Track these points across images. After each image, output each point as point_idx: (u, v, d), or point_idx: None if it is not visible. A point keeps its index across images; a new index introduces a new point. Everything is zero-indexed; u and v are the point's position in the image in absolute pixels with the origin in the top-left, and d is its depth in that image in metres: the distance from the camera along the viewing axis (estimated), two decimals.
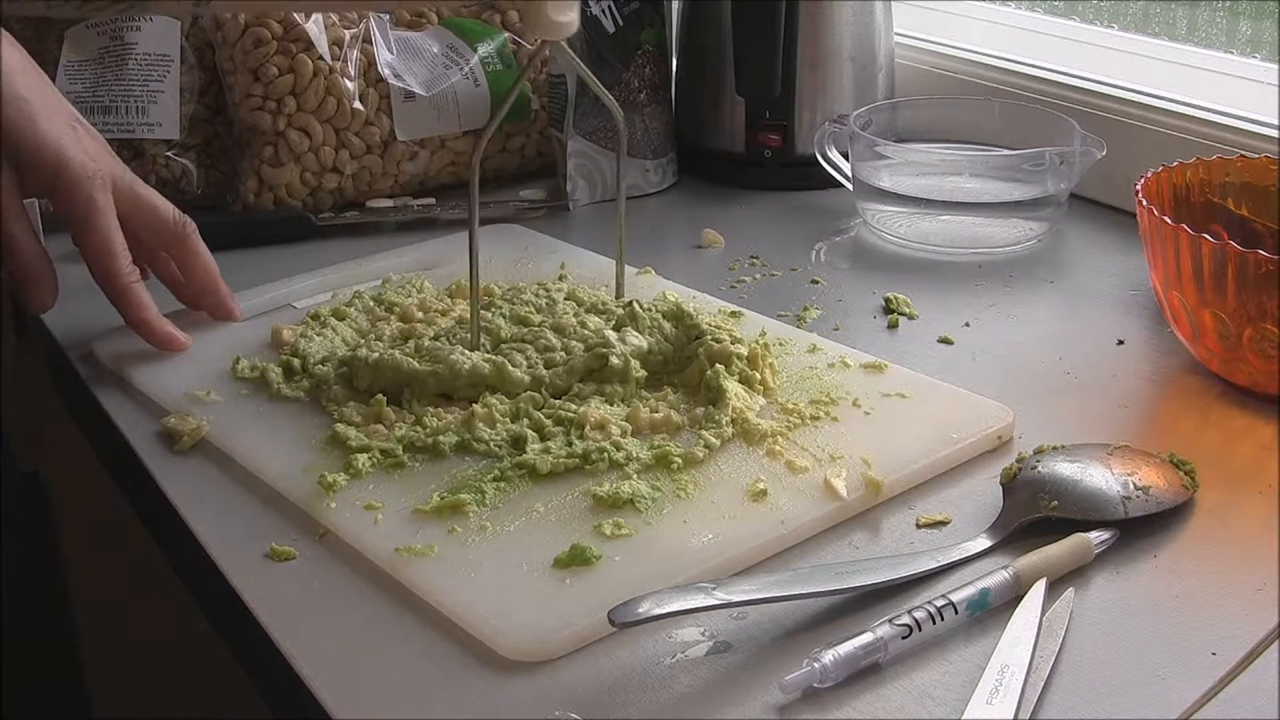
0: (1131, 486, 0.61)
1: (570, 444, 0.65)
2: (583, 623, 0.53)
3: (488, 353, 0.71)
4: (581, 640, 0.53)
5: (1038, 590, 0.54)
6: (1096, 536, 0.58)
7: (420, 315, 0.79)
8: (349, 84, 0.98)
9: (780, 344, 0.75)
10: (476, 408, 0.67)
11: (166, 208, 0.78)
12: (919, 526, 0.61)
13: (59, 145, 0.73)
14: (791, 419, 0.67)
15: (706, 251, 0.94)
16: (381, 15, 1.02)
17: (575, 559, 0.56)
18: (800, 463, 0.63)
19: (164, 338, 0.76)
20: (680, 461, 0.63)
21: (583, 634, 0.53)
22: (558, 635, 0.53)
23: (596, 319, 0.74)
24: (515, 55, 1.05)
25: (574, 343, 0.71)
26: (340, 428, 0.67)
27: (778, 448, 0.64)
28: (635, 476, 0.63)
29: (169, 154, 0.98)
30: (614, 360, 0.69)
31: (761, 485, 0.62)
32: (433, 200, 1.02)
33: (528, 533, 0.59)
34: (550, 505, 0.61)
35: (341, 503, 0.62)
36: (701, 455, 0.64)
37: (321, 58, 0.97)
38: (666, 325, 0.73)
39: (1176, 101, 0.97)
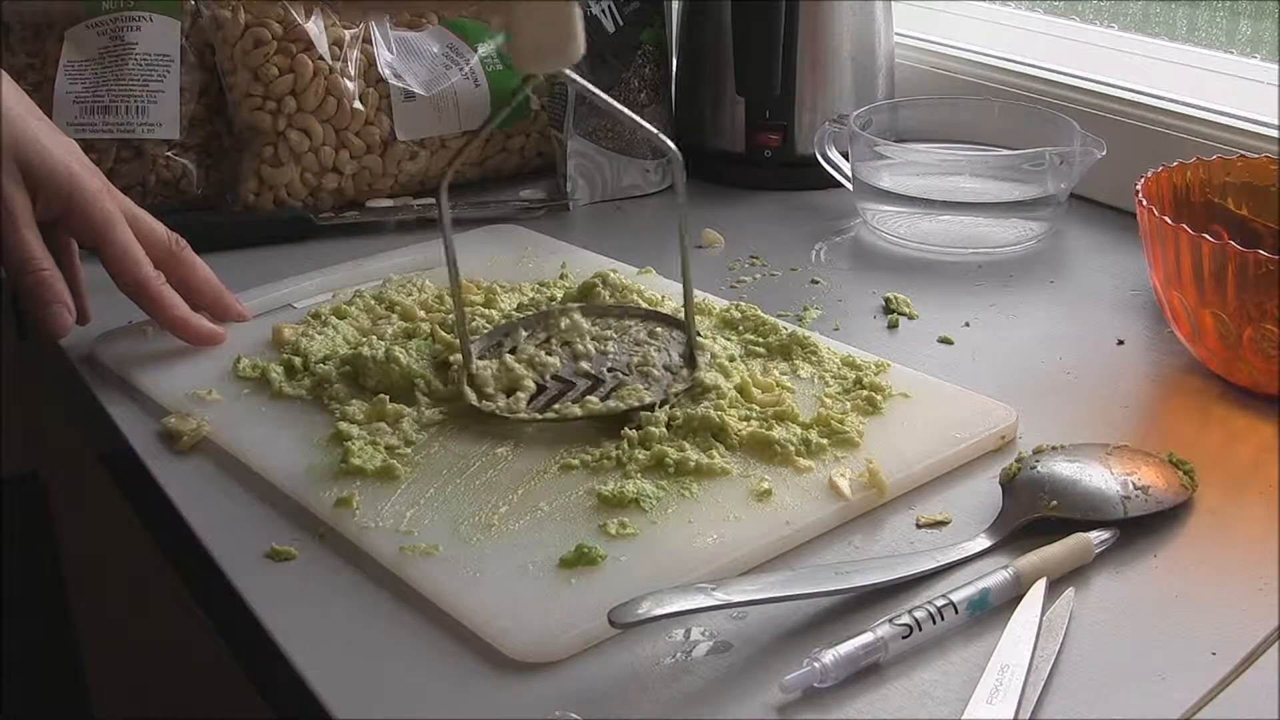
0: (1131, 486, 0.61)
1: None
2: (589, 624, 0.53)
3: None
4: (588, 641, 0.53)
5: (1038, 590, 0.55)
6: (1096, 536, 0.58)
7: (422, 314, 0.79)
8: (349, 84, 0.98)
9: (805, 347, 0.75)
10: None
11: (160, 227, 0.78)
12: (919, 526, 0.61)
13: (69, 163, 0.74)
14: (799, 423, 0.67)
15: (706, 251, 0.94)
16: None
17: (580, 559, 0.56)
18: (804, 462, 0.64)
19: (206, 334, 0.77)
20: (674, 468, 0.63)
21: (589, 635, 0.53)
22: (564, 636, 0.53)
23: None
24: None
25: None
26: (343, 426, 0.67)
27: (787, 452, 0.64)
28: (639, 476, 0.63)
29: (169, 154, 0.98)
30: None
31: (766, 485, 0.62)
32: (433, 200, 1.02)
33: (532, 532, 0.59)
34: (555, 504, 0.61)
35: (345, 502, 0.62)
36: (698, 462, 0.64)
37: (321, 58, 0.97)
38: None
39: (1176, 101, 0.97)
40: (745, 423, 0.66)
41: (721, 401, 0.68)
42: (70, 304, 0.75)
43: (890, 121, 1.02)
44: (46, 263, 0.73)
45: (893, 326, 0.82)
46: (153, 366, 0.75)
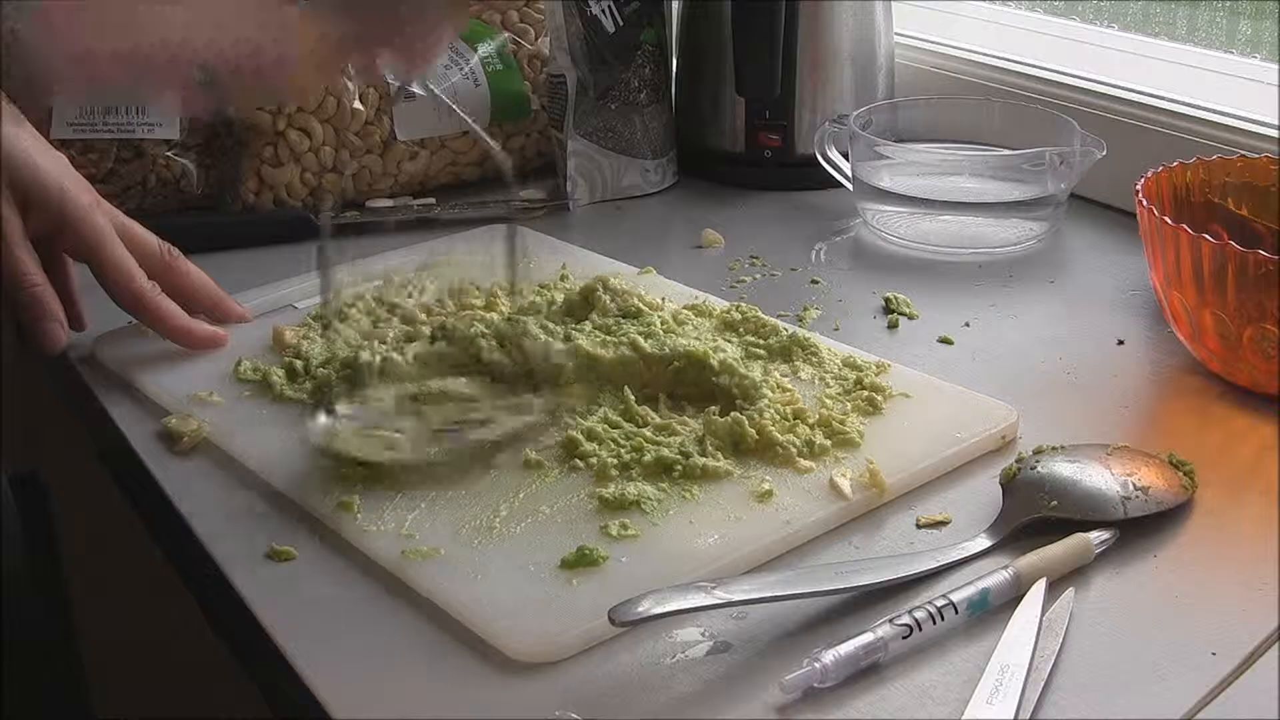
0: (1131, 487, 0.61)
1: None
2: (590, 624, 0.53)
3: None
4: (589, 642, 0.53)
5: (1038, 590, 0.55)
6: (1096, 536, 0.58)
7: (423, 317, 0.79)
8: (349, 84, 0.98)
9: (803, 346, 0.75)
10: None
11: (152, 238, 0.78)
12: (919, 526, 0.61)
13: (60, 180, 0.74)
14: (800, 422, 0.67)
15: (706, 251, 0.94)
16: None
17: (582, 560, 0.56)
18: (805, 463, 0.64)
19: (208, 339, 0.77)
20: (681, 470, 0.63)
21: (589, 636, 0.53)
22: (565, 637, 0.53)
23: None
24: (515, 55, 1.05)
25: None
26: None
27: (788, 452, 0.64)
28: (640, 478, 0.63)
29: (169, 154, 0.98)
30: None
31: (767, 485, 0.62)
32: (433, 200, 1.02)
33: (534, 534, 0.59)
34: (556, 507, 0.61)
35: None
36: (701, 464, 0.64)
37: None
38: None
39: (1176, 101, 0.97)
40: (771, 425, 0.66)
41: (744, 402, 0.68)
42: (63, 318, 0.75)
43: (890, 121, 1.02)
44: (39, 278, 0.74)
45: (893, 326, 0.82)
46: (153, 367, 0.75)
